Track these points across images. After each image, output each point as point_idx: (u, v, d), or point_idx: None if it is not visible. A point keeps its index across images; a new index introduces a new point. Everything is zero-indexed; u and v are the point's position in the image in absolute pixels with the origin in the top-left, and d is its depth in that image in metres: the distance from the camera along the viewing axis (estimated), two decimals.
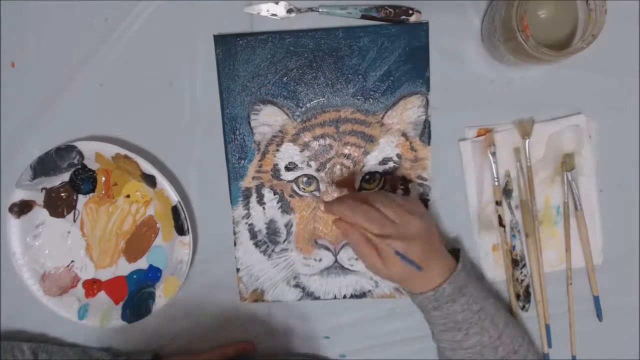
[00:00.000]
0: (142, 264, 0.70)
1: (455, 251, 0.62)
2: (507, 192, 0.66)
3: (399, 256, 0.53)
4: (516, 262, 0.66)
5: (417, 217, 0.55)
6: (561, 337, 0.67)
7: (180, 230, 0.67)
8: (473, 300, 0.57)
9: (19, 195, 0.68)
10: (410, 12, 0.63)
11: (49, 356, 0.66)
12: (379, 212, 0.54)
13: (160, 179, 0.65)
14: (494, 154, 0.64)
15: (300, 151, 0.66)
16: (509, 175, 0.65)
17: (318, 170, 0.66)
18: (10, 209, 0.68)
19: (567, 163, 0.64)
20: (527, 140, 0.64)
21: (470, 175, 0.66)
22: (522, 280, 0.66)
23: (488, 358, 0.58)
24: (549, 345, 0.67)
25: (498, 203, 0.65)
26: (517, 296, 0.67)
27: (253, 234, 0.69)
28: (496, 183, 0.65)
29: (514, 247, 0.66)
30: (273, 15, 0.64)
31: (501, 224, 0.66)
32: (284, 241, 0.68)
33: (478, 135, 0.65)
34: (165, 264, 0.69)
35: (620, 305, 0.67)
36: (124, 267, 0.71)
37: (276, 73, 0.65)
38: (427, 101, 0.65)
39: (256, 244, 0.69)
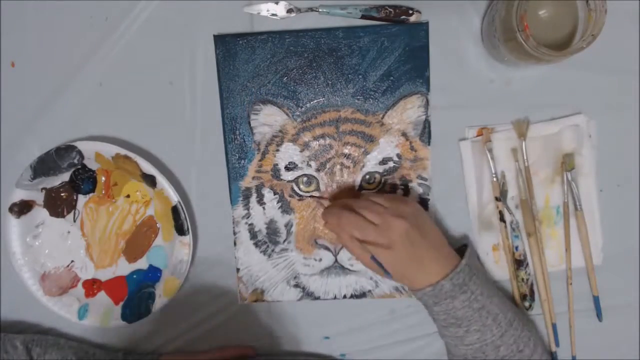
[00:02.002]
0: (142, 264, 0.70)
1: (463, 248, 0.62)
2: (502, 193, 0.66)
3: (373, 260, 0.57)
4: (520, 262, 0.66)
5: (401, 219, 0.57)
6: (561, 336, 0.67)
7: (180, 230, 0.67)
8: (474, 298, 0.58)
9: (19, 195, 0.68)
10: (410, 12, 0.63)
11: (43, 350, 0.65)
12: (361, 218, 0.58)
13: (160, 179, 0.65)
14: (491, 150, 0.64)
15: (300, 151, 0.66)
16: (504, 177, 0.65)
17: (318, 170, 0.66)
18: (10, 209, 0.68)
19: (567, 163, 0.64)
20: (523, 140, 0.64)
21: (470, 175, 0.66)
22: (527, 280, 0.66)
23: (489, 356, 0.58)
24: (557, 344, 0.67)
25: (498, 199, 0.65)
26: (524, 296, 0.66)
27: (253, 234, 0.69)
28: (495, 179, 0.65)
29: (516, 248, 0.66)
30: (273, 15, 0.64)
31: (502, 219, 0.66)
32: (284, 241, 0.68)
33: (478, 135, 0.65)
34: (165, 264, 0.69)
35: (620, 305, 0.67)
36: (124, 267, 0.71)
37: (276, 73, 0.65)
38: (427, 101, 0.65)
39: (256, 244, 0.69)
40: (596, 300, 0.66)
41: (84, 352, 0.68)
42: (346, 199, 0.63)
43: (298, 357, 0.70)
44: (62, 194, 0.70)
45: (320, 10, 0.64)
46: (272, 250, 0.69)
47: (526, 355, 0.59)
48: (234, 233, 0.69)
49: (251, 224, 0.68)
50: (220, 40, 0.65)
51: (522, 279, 0.66)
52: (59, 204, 0.70)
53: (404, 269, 0.58)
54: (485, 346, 0.58)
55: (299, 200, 0.67)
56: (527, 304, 0.66)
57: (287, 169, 0.67)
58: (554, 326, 0.66)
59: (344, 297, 0.69)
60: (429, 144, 0.66)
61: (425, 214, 0.62)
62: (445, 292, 0.57)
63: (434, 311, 0.59)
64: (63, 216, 0.70)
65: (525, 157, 0.64)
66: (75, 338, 0.72)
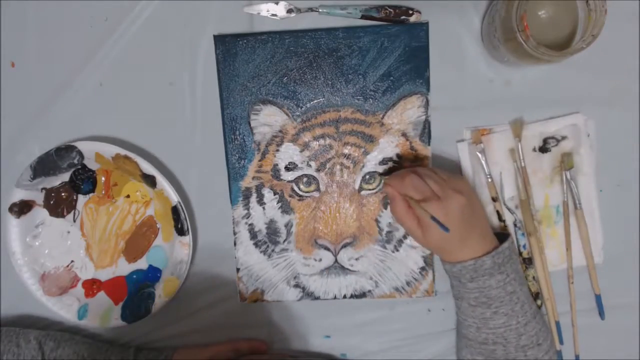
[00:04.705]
0: (142, 264, 0.70)
1: (504, 235, 0.62)
2: (500, 193, 0.66)
3: (432, 219, 0.56)
4: (529, 261, 0.66)
5: (459, 193, 0.57)
6: (564, 336, 0.67)
7: (180, 231, 0.67)
8: (509, 281, 0.58)
9: (19, 195, 0.68)
10: (410, 12, 0.63)
11: (56, 345, 0.66)
12: (425, 184, 0.58)
13: (160, 179, 0.65)
14: (482, 152, 0.64)
15: (300, 151, 0.66)
16: (502, 177, 0.65)
17: (318, 170, 0.66)
18: (10, 209, 0.68)
19: (565, 162, 0.64)
20: (519, 141, 0.64)
21: (468, 177, 0.66)
22: (537, 278, 0.66)
23: (511, 342, 0.59)
24: (561, 342, 0.66)
25: (494, 199, 0.65)
26: (536, 294, 0.66)
27: (253, 234, 0.69)
28: (489, 180, 0.65)
29: (524, 247, 0.66)
30: (273, 15, 0.64)
31: (500, 219, 0.66)
32: (284, 241, 0.68)
33: None
34: (165, 264, 0.69)
35: (622, 303, 0.67)
36: (124, 267, 0.71)
37: (276, 73, 0.65)
38: (427, 101, 0.65)
39: (256, 244, 0.69)
40: (598, 298, 0.66)
41: (97, 347, 0.68)
42: (410, 167, 0.63)
43: (311, 358, 0.70)
44: (62, 194, 0.69)
45: (320, 10, 0.64)
46: (272, 250, 0.69)
47: (543, 350, 0.60)
48: (234, 233, 0.69)
49: (251, 224, 0.68)
50: (220, 41, 0.65)
51: (533, 277, 0.66)
52: (59, 204, 0.70)
53: (453, 240, 0.58)
54: (509, 331, 0.59)
55: (299, 200, 0.67)
56: (539, 302, 0.66)
57: (287, 169, 0.67)
58: (557, 324, 0.66)
59: (344, 297, 0.69)
60: (428, 144, 0.66)
61: (476, 194, 0.64)
62: (485, 269, 0.58)
63: (467, 287, 0.59)
64: (63, 216, 0.70)
65: (521, 157, 0.64)
66: (92, 335, 0.72)
